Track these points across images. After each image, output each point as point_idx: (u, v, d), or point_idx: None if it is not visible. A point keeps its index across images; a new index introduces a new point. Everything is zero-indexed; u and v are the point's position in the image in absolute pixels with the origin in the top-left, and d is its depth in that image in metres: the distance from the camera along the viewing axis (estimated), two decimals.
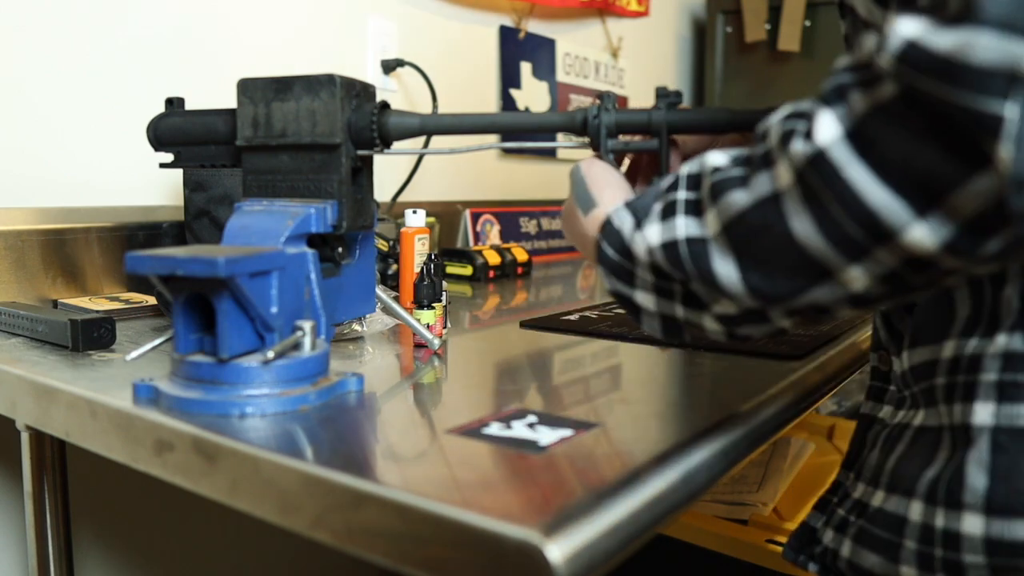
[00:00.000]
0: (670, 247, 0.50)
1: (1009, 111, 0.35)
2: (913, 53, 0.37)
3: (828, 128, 0.41)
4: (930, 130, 0.38)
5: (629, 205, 0.55)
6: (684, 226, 0.50)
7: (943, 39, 0.36)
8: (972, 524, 0.49)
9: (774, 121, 0.46)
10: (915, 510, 0.52)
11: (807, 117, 0.43)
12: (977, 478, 0.49)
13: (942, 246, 0.40)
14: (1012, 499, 0.47)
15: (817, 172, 0.42)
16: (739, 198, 0.46)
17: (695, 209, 0.50)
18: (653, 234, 0.51)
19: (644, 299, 0.54)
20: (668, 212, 0.51)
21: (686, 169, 0.52)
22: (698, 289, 0.50)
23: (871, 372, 0.65)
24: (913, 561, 0.52)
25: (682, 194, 0.51)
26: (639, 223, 0.53)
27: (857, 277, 0.43)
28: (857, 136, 0.40)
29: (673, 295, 0.52)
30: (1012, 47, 0.35)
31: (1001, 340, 0.50)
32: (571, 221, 0.61)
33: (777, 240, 0.45)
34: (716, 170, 0.49)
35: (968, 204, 0.38)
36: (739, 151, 0.50)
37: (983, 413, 0.50)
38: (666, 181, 0.53)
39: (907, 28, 0.38)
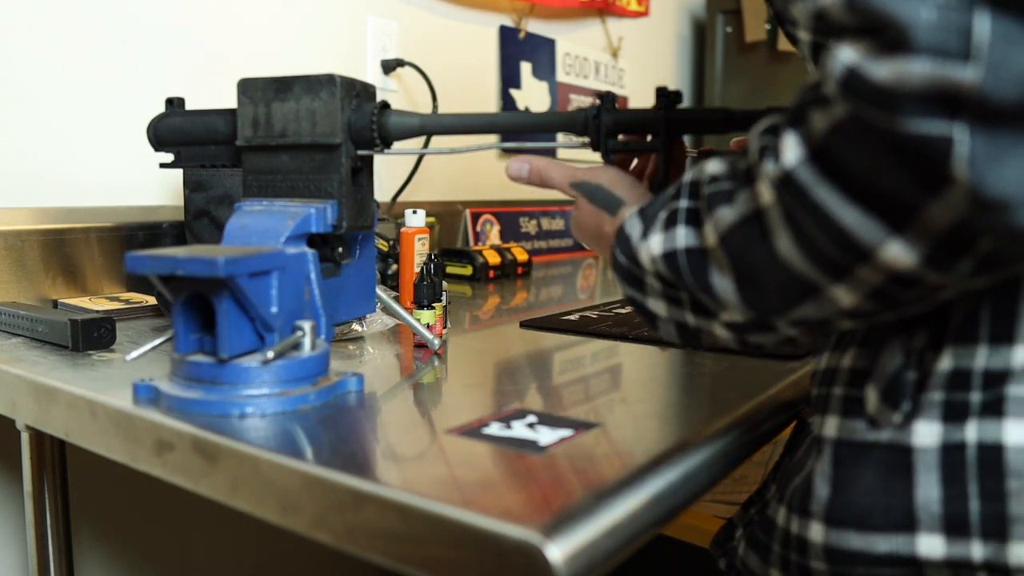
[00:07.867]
0: (670, 257, 0.50)
1: (958, 132, 0.35)
2: (854, 82, 0.37)
3: (792, 149, 0.41)
4: (888, 150, 0.37)
5: (641, 211, 0.54)
6: (683, 236, 0.50)
7: (880, 69, 0.36)
8: (816, 532, 0.49)
9: (753, 134, 0.46)
10: (781, 515, 0.53)
11: (779, 133, 0.43)
12: (822, 488, 0.50)
13: (922, 263, 0.39)
14: (844, 510, 0.48)
15: (789, 193, 0.42)
16: (727, 214, 0.46)
17: (695, 219, 0.50)
18: (656, 243, 0.51)
19: (656, 306, 0.54)
20: (670, 221, 0.51)
21: (689, 176, 0.52)
22: (702, 298, 0.50)
23: (811, 377, 0.65)
24: (778, 564, 0.53)
25: (683, 203, 0.51)
26: (646, 230, 0.53)
27: (843, 295, 0.43)
28: (819, 157, 0.40)
29: (682, 303, 0.52)
30: (947, 71, 0.34)
31: (848, 356, 0.51)
32: (594, 226, 0.61)
33: (763, 258, 0.45)
34: (712, 180, 0.49)
35: (937, 222, 0.38)
36: (736, 159, 0.49)
37: (830, 426, 0.51)
38: (672, 188, 0.53)
39: (846, 55, 0.38)
